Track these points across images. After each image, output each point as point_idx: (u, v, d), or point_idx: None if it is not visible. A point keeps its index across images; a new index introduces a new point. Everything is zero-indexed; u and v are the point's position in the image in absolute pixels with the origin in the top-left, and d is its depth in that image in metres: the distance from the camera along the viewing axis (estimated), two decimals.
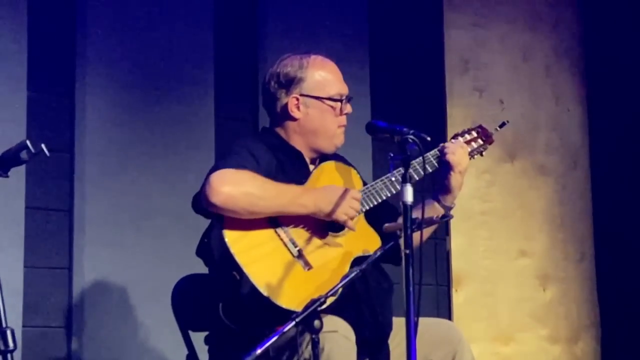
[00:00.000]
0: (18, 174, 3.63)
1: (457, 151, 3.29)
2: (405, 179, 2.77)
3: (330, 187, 3.13)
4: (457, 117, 5.27)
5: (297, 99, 3.23)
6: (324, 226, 3.13)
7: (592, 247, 5.59)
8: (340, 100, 3.26)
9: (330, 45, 4.57)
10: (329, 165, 3.28)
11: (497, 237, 5.31)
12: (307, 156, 3.27)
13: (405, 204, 2.76)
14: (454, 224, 5.06)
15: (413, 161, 3.03)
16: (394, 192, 3.15)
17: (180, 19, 4.42)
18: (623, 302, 5.42)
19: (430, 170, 3.28)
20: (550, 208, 5.48)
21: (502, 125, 3.45)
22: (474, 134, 3.44)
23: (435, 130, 4.99)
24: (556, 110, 5.59)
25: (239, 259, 2.96)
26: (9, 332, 2.62)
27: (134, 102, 4.26)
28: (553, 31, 5.62)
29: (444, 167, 3.29)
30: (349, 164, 3.37)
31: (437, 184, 3.32)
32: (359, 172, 3.36)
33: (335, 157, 3.34)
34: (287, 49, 4.54)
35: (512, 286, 5.32)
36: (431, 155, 3.28)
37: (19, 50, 4.01)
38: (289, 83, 3.24)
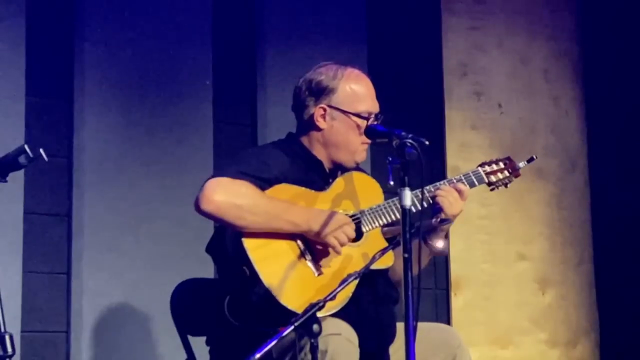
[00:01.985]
0: (16, 178, 3.65)
1: (449, 196, 3.20)
2: (404, 183, 2.77)
3: (325, 210, 3.10)
4: (456, 120, 5.28)
5: (324, 110, 3.20)
6: None
7: (590, 251, 5.59)
8: (367, 118, 3.21)
9: (329, 49, 4.57)
10: (351, 176, 3.25)
11: (496, 241, 5.31)
12: (327, 167, 3.25)
13: (403, 208, 2.75)
14: (452, 228, 5.03)
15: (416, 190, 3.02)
16: (414, 210, 3.05)
17: (178, 24, 4.42)
18: (622, 306, 5.42)
19: (426, 205, 3.18)
20: (548, 212, 5.48)
21: (530, 160, 3.39)
22: (501, 164, 3.38)
23: (434, 134, 5.02)
24: (554, 113, 5.59)
25: (252, 255, 2.96)
26: (7, 337, 2.62)
27: (132, 107, 4.26)
28: (551, 35, 5.62)
29: (436, 207, 3.21)
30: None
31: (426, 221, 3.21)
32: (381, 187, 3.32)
33: (355, 170, 3.31)
34: (285, 53, 4.58)
35: (511, 290, 5.31)
36: (427, 190, 3.18)
37: (17, 56, 4.01)
38: (320, 92, 3.21)
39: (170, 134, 4.34)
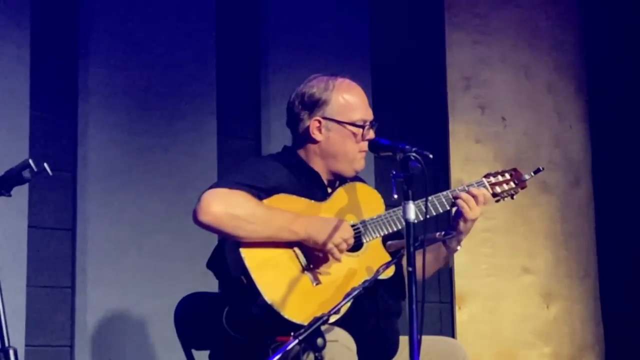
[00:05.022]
0: (21, 193, 3.65)
1: (469, 201, 3.22)
2: (407, 197, 2.77)
3: (323, 217, 3.12)
4: (459, 134, 5.28)
5: (319, 122, 3.22)
6: None
7: (595, 264, 5.58)
8: (363, 126, 3.23)
9: (332, 64, 4.57)
10: (352, 186, 3.27)
11: (500, 255, 5.30)
12: (325, 178, 3.26)
13: (407, 221, 2.76)
14: None
15: (432, 196, 3.09)
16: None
17: (182, 37, 4.43)
18: (627, 319, 5.40)
19: (441, 211, 3.24)
20: (553, 225, 5.47)
21: (537, 171, 3.39)
22: (507, 176, 3.38)
23: (438, 148, 5.02)
24: (558, 127, 5.59)
25: (248, 263, 2.97)
26: (11, 352, 2.62)
27: (136, 121, 4.27)
28: (554, 48, 5.63)
29: (456, 210, 3.25)
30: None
31: (447, 222, 3.30)
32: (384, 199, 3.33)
33: (355, 179, 3.32)
34: (289, 67, 4.59)
35: (515, 303, 5.30)
36: (443, 196, 3.24)
37: (21, 69, 4.02)
38: (313, 105, 3.23)
39: (174, 147, 4.34)
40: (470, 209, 3.21)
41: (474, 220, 3.24)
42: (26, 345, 3.90)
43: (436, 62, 5.27)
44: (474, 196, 3.22)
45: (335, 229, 3.05)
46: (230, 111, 4.57)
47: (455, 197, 3.23)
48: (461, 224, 3.23)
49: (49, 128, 4.12)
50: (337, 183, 3.29)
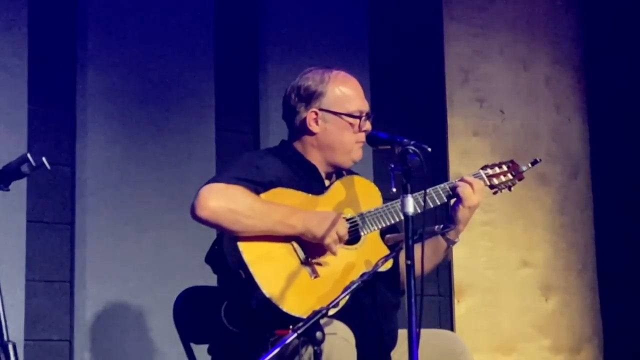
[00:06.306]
0: (19, 187, 3.65)
1: (466, 188, 3.24)
2: (406, 190, 2.78)
3: (320, 211, 3.12)
4: (458, 127, 5.28)
5: (316, 114, 3.23)
6: None
7: (593, 257, 5.59)
8: (359, 117, 3.25)
9: (331, 58, 4.58)
10: (350, 180, 3.28)
11: (499, 247, 5.31)
12: (323, 170, 3.27)
13: (406, 215, 2.76)
14: None
15: (429, 189, 3.12)
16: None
17: (181, 32, 4.43)
18: (625, 311, 5.41)
19: (439, 203, 3.25)
20: (551, 218, 5.48)
21: (534, 162, 3.40)
22: (504, 167, 3.40)
23: (436, 141, 5.02)
24: (557, 120, 5.59)
25: (246, 257, 2.97)
26: (10, 346, 2.62)
27: (134, 115, 4.27)
28: (553, 41, 5.63)
29: (455, 199, 3.26)
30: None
31: (445, 215, 3.31)
32: (380, 190, 3.34)
33: (350, 173, 3.33)
34: (288, 61, 4.59)
35: (514, 296, 5.31)
36: (440, 188, 3.25)
37: (19, 64, 4.02)
38: (309, 97, 3.24)
39: (172, 142, 4.34)
40: (468, 195, 3.21)
41: (472, 209, 3.24)
42: (25, 340, 3.91)
43: (434, 55, 5.27)
44: (470, 184, 3.23)
45: (333, 222, 3.05)
46: (229, 105, 4.56)
47: (453, 188, 3.24)
48: (460, 212, 3.23)
49: (47, 122, 4.12)
50: (334, 176, 3.29)
